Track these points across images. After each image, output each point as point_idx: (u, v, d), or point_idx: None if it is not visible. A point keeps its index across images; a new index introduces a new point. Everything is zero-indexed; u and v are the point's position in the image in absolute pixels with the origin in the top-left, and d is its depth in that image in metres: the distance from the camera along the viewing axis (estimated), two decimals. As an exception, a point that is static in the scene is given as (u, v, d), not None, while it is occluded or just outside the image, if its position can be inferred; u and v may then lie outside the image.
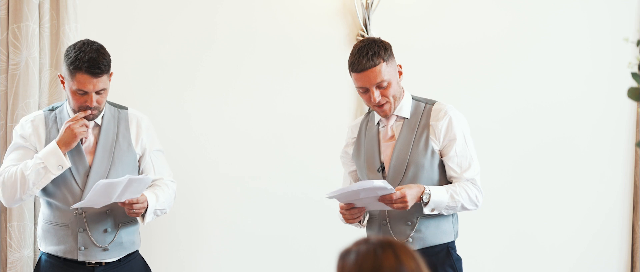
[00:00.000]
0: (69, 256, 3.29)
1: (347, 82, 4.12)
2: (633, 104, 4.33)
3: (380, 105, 3.19)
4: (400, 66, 3.23)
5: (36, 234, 3.74)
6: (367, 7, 4.06)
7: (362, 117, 3.39)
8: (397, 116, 3.26)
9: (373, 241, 1.94)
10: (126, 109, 3.38)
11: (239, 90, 4.03)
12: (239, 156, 4.03)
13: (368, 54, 3.13)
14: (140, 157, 3.35)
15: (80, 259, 3.28)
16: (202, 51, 3.99)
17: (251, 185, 4.05)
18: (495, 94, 4.26)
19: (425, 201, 3.10)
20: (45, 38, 3.73)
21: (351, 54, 3.17)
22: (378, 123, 3.30)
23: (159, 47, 3.88)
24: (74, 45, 3.20)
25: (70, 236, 3.28)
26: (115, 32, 3.87)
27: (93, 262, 3.30)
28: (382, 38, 4.08)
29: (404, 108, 3.25)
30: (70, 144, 3.21)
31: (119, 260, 3.33)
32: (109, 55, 3.22)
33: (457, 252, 3.29)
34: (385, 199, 3.05)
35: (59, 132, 3.27)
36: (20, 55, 3.69)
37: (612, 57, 4.35)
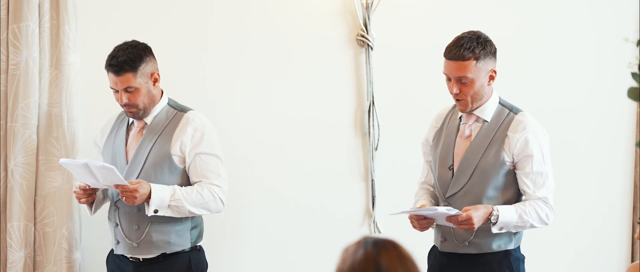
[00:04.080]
0: (113, 249, 3.52)
1: (348, 83, 4.13)
2: (633, 104, 4.32)
3: (457, 99, 3.20)
4: (494, 71, 3.20)
5: (35, 235, 3.75)
6: (367, 7, 4.06)
7: (450, 107, 3.37)
8: (478, 117, 3.24)
9: (371, 241, 1.95)
10: (186, 111, 3.47)
11: (237, 91, 4.02)
12: (239, 157, 4.02)
13: (464, 45, 3.14)
14: (183, 160, 3.41)
15: (117, 252, 3.48)
16: (200, 52, 3.99)
17: (252, 185, 4.06)
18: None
19: (492, 221, 3.12)
20: (45, 38, 3.72)
21: (453, 41, 3.18)
22: (460, 117, 3.28)
23: (161, 47, 3.87)
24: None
25: (112, 229, 3.50)
26: (115, 32, 3.86)
27: (129, 256, 3.45)
28: (383, 38, 4.11)
29: (487, 111, 3.23)
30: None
31: (158, 257, 3.43)
32: (141, 56, 3.38)
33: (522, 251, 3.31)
34: (452, 219, 3.10)
35: (116, 130, 3.52)
36: (20, 55, 3.69)
37: (612, 58, 4.34)
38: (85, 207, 3.54)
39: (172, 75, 3.88)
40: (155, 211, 3.32)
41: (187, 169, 3.42)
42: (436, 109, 3.47)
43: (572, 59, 4.35)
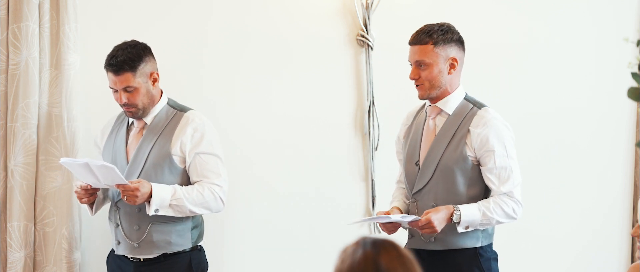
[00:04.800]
0: (114, 249, 3.53)
1: (348, 83, 4.13)
2: (633, 104, 4.33)
3: (416, 86, 3.24)
4: (456, 60, 3.21)
5: (35, 235, 3.75)
6: (367, 7, 4.06)
7: (420, 105, 3.39)
8: (441, 110, 3.25)
9: (369, 241, 1.95)
10: (186, 111, 3.48)
11: (236, 91, 4.03)
12: (239, 157, 4.02)
13: (424, 30, 3.21)
14: (183, 160, 3.42)
15: (118, 252, 3.49)
16: (200, 53, 3.99)
17: (252, 185, 4.05)
18: (495, 94, 4.26)
19: (455, 221, 3.11)
20: (45, 38, 3.72)
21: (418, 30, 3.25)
22: (426, 112, 3.30)
23: (161, 47, 3.88)
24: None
25: (112, 230, 3.51)
26: (115, 32, 3.86)
27: (130, 257, 3.46)
28: (383, 38, 4.11)
29: (450, 103, 3.24)
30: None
31: (158, 257, 3.43)
32: (140, 56, 3.38)
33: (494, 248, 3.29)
34: (414, 224, 3.11)
35: (117, 130, 3.52)
36: (20, 55, 3.69)
37: (612, 58, 4.35)
38: (85, 207, 3.55)
39: (172, 75, 3.88)
40: (156, 210, 3.32)
41: (187, 168, 3.43)
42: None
43: (572, 59, 4.35)
